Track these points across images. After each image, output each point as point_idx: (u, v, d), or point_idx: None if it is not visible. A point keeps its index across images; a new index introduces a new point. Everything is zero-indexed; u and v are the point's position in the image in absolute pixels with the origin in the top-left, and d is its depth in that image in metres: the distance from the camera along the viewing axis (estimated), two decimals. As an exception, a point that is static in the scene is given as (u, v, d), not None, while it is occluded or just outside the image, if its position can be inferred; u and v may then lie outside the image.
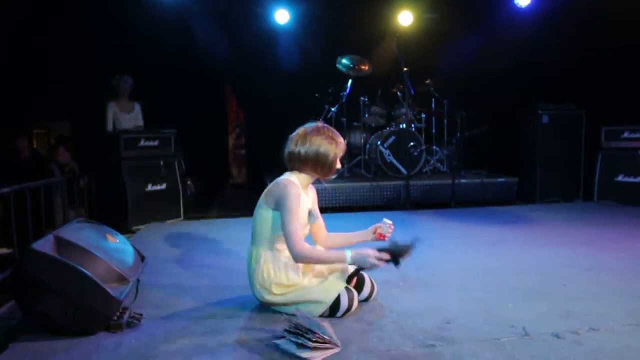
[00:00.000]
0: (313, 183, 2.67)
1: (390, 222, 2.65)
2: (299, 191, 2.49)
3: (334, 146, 2.51)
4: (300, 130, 2.56)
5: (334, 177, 2.67)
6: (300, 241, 2.40)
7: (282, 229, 2.43)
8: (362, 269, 2.55)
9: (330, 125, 7.05)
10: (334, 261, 2.49)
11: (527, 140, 6.44)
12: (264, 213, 2.51)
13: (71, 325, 2.29)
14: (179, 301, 2.77)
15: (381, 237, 2.65)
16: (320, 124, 2.57)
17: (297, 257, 2.42)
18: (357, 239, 2.74)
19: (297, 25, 7.34)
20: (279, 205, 2.45)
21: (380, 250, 2.46)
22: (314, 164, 2.52)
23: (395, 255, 2.46)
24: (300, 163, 2.54)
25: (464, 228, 4.63)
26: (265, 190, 2.55)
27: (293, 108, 6.64)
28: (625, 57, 5.88)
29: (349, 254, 2.46)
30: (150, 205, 5.27)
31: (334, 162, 2.52)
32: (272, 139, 4.28)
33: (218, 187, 7.07)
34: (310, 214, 2.59)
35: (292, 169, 2.58)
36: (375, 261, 2.43)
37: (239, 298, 2.77)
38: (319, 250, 2.52)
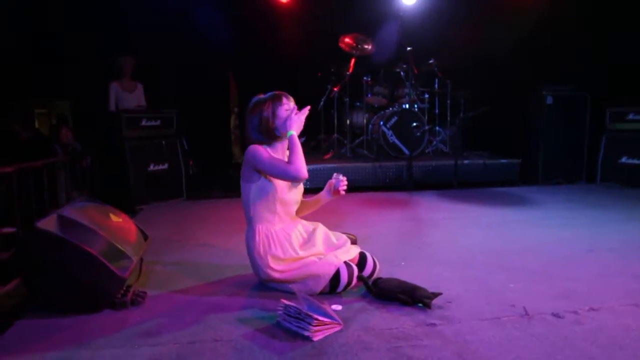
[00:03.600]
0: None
1: (342, 176, 2.71)
2: (267, 150, 2.53)
3: (266, 105, 2.54)
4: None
5: (295, 133, 2.64)
6: (288, 169, 2.45)
7: (243, 196, 2.52)
8: (354, 241, 2.58)
9: (332, 105, 6.97)
10: (297, 145, 2.49)
11: (530, 121, 6.40)
12: (243, 187, 2.57)
13: (76, 303, 2.31)
14: (181, 280, 2.80)
15: (337, 193, 2.70)
16: (269, 93, 2.61)
17: (299, 175, 2.46)
18: (323, 200, 2.78)
19: (299, 3, 7.26)
20: (256, 167, 2.50)
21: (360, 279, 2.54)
22: (259, 133, 2.54)
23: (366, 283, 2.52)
24: (252, 133, 2.57)
25: (466, 209, 4.64)
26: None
27: (295, 89, 6.60)
28: (633, 37, 5.82)
29: (289, 133, 2.51)
30: (153, 185, 5.28)
31: (270, 117, 2.53)
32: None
33: (220, 167, 7.06)
34: None
35: (259, 138, 2.60)
36: (298, 118, 2.52)
37: (241, 277, 2.80)
38: (291, 160, 2.49)
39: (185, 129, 5.96)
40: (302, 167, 2.46)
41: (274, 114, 2.54)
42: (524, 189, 5.74)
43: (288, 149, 2.57)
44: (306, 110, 2.56)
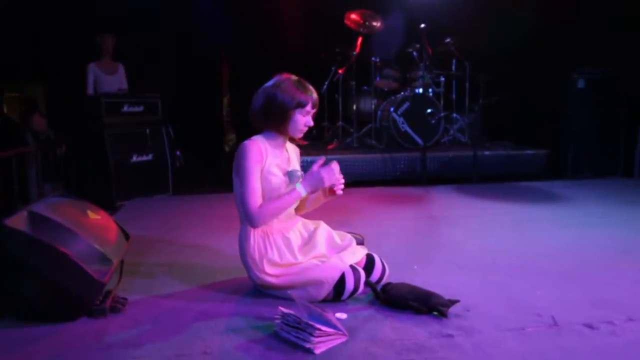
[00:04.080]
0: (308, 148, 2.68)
1: (337, 168, 2.53)
2: (262, 148, 2.49)
3: (290, 93, 2.47)
4: (258, 93, 2.56)
5: (307, 140, 2.65)
6: (252, 203, 2.43)
7: (235, 193, 2.49)
8: (361, 241, 2.55)
9: (337, 89, 6.96)
10: (290, 202, 2.49)
11: (559, 107, 6.37)
12: (236, 182, 2.54)
13: (49, 311, 2.31)
14: (167, 284, 2.79)
15: (332, 193, 2.61)
16: (288, 75, 2.56)
17: (254, 221, 2.45)
18: (321, 200, 2.71)
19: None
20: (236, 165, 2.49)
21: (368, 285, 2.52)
22: (267, 116, 2.49)
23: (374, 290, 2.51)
24: (258, 121, 2.54)
25: (487, 205, 4.63)
26: None
27: (295, 71, 6.57)
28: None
29: (301, 188, 2.47)
30: (136, 178, 5.28)
31: (289, 111, 2.47)
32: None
33: (211, 158, 7.05)
34: (291, 174, 2.58)
35: (259, 130, 2.59)
36: (332, 178, 2.47)
37: (234, 281, 2.79)
38: (268, 202, 2.48)
39: (172, 116, 5.95)
40: (265, 217, 2.45)
41: (288, 111, 2.47)
42: (551, 184, 5.72)
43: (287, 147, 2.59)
44: (335, 167, 2.48)
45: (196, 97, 6.94)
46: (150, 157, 5.43)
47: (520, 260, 3.11)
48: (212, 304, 2.51)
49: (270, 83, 2.53)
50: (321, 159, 2.57)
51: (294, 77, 2.54)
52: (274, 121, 2.51)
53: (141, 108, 5.41)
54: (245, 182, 2.46)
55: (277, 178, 2.53)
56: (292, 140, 2.67)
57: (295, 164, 2.68)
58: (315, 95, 2.54)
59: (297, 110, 2.49)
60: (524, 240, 3.53)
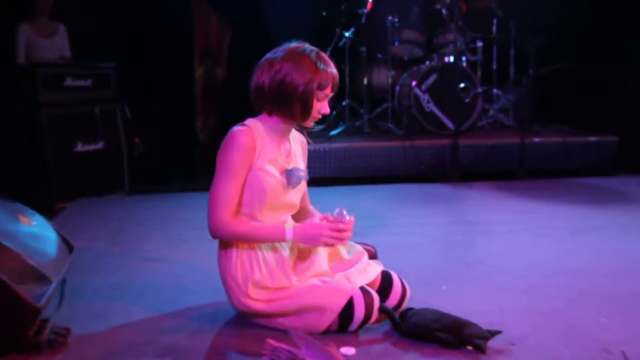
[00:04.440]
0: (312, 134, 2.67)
1: (347, 215, 2.49)
2: (255, 139, 2.48)
3: (307, 71, 2.45)
4: (270, 53, 2.54)
5: (316, 126, 2.64)
6: (219, 210, 2.44)
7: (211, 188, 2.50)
8: (374, 255, 2.55)
9: (343, 58, 6.97)
10: (268, 238, 2.50)
11: (634, 82, 6.37)
12: None
13: (-31, 344, 2.31)
14: (122, 311, 2.79)
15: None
16: (302, 44, 2.54)
17: (211, 232, 2.50)
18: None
19: None
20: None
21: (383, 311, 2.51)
22: (276, 99, 2.48)
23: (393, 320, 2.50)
24: (264, 100, 2.53)
25: (537, 209, 4.63)
26: None
27: (292, 34, 6.54)
28: None
29: (289, 230, 2.47)
30: (82, 172, 5.29)
31: (306, 97, 2.45)
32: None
33: (181, 147, 7.06)
34: (289, 173, 2.56)
35: (259, 110, 2.59)
36: (330, 240, 2.45)
37: (209, 307, 2.79)
38: (241, 222, 2.50)
39: (129, 92, 5.94)
40: (226, 236, 2.49)
41: (305, 97, 2.46)
42: (622, 180, 5.74)
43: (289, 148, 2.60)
44: (342, 225, 2.45)
45: (161, 67, 6.94)
46: (100, 145, 5.44)
47: (581, 280, 3.11)
48: (180, 337, 2.50)
49: (280, 54, 2.49)
50: (339, 212, 2.51)
51: (310, 49, 2.51)
52: (280, 105, 2.49)
53: (89, 82, 5.42)
54: (221, 181, 2.46)
55: (271, 178, 2.51)
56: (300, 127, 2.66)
57: (298, 161, 2.66)
58: (336, 73, 2.53)
59: (315, 95, 2.47)
60: (586, 254, 3.54)
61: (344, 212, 2.49)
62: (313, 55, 2.49)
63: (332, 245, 2.50)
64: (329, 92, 2.52)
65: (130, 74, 6.05)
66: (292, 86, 2.45)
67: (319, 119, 2.61)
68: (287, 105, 2.48)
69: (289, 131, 2.63)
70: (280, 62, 2.47)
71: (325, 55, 2.54)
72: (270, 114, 2.55)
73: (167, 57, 7.04)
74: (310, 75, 2.45)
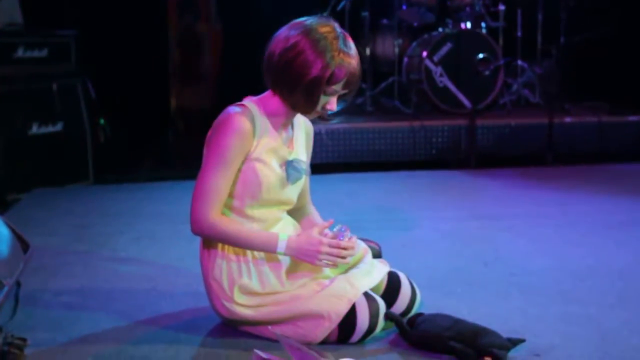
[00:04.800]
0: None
1: (347, 232, 2.52)
2: (253, 125, 2.46)
3: (322, 59, 2.38)
4: (286, 27, 2.48)
5: (327, 118, 2.62)
6: (206, 204, 2.43)
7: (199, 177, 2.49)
8: (379, 253, 2.55)
9: (343, 24, 6.98)
10: (254, 246, 2.49)
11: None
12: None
13: None
14: (86, 319, 2.80)
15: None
16: (329, 21, 2.50)
17: (193, 229, 2.49)
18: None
19: None
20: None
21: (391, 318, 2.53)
22: (280, 79, 2.45)
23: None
24: (269, 74, 2.49)
25: (567, 200, 4.66)
26: None
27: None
28: None
29: (283, 241, 2.45)
30: (38, 158, 5.28)
31: (312, 88, 2.41)
32: (249, 53, 4.20)
33: (153, 129, 7.05)
34: (290, 166, 2.56)
35: (269, 88, 2.55)
36: (328, 259, 2.43)
37: (188, 313, 2.81)
38: (231, 222, 2.50)
39: (93, 65, 5.92)
40: (209, 236, 2.49)
41: (313, 86, 2.40)
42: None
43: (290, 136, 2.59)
44: (341, 243, 2.45)
45: (130, 34, 6.92)
46: (58, 127, 5.42)
47: (619, 281, 3.13)
48: (154, 348, 2.51)
49: (298, 29, 2.43)
50: (340, 229, 2.52)
51: (338, 31, 2.44)
52: (282, 88, 2.46)
53: (44, 52, 5.40)
54: (211, 170, 2.45)
55: (270, 171, 2.50)
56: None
57: (301, 150, 2.65)
58: (356, 67, 2.45)
59: (323, 87, 2.42)
60: (625, 253, 3.55)
61: (345, 231, 2.49)
62: (337, 40, 2.41)
63: (330, 266, 2.47)
64: (339, 89, 2.45)
65: (94, 42, 6.04)
66: (300, 70, 2.38)
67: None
68: (289, 90, 2.44)
69: (293, 116, 2.60)
70: (298, 37, 2.40)
71: (352, 44, 2.47)
72: (274, 93, 2.52)
73: (137, 21, 7.00)
74: (323, 64, 2.37)
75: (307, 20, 2.47)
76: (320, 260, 2.43)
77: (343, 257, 2.46)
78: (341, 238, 2.47)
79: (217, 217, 2.47)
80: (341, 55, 2.39)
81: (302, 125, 2.70)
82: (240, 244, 2.50)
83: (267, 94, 2.54)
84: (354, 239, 2.52)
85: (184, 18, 7.38)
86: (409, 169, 5.68)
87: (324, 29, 2.42)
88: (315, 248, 2.42)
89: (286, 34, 2.45)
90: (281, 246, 2.46)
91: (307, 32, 2.41)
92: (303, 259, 2.46)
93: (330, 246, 2.42)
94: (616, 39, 6.52)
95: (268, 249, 2.48)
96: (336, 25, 2.47)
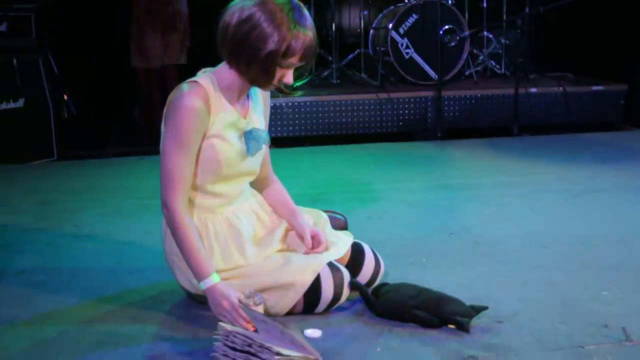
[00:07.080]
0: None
1: (257, 301, 2.44)
2: (209, 101, 2.44)
3: (278, 32, 2.35)
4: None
5: (286, 92, 2.61)
6: (175, 188, 2.42)
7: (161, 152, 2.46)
8: (344, 224, 2.55)
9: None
10: (190, 262, 2.44)
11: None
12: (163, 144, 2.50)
13: None
14: (50, 299, 2.79)
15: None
16: None
17: (165, 216, 2.48)
18: (297, 229, 2.69)
19: None
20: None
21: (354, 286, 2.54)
22: (236, 52, 2.42)
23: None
24: (224, 47, 2.46)
25: (532, 169, 4.71)
26: None
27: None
28: None
29: (209, 280, 2.40)
30: (-1, 135, 5.25)
31: (269, 61, 2.39)
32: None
33: (118, 104, 7.00)
34: (249, 137, 2.54)
35: (220, 57, 2.52)
36: (229, 319, 2.35)
37: (152, 288, 2.82)
38: (192, 230, 2.46)
39: (55, 39, 5.86)
40: (169, 224, 2.47)
41: (269, 60, 2.38)
42: (630, 136, 5.85)
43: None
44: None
45: (93, 7, 6.84)
46: (20, 103, 5.38)
47: (580, 249, 3.18)
48: (120, 323, 2.52)
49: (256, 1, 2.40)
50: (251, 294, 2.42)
51: (294, 3, 2.41)
52: (238, 61, 2.44)
53: (3, 26, 5.34)
54: (172, 153, 2.43)
55: (229, 145, 2.50)
56: None
57: (258, 118, 2.64)
58: (311, 38, 2.42)
59: (279, 60, 2.40)
60: (587, 220, 3.62)
61: (256, 300, 2.39)
62: (293, 12, 2.38)
63: (231, 322, 2.35)
64: (295, 62, 2.43)
65: (56, 15, 5.97)
66: (256, 44, 2.36)
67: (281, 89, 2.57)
68: (245, 64, 2.41)
69: (249, 88, 2.58)
70: (253, 9, 2.37)
71: (308, 15, 2.44)
72: (230, 66, 2.49)
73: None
74: (279, 37, 2.35)
75: None
76: (221, 314, 2.37)
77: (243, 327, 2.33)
78: (258, 297, 2.39)
79: (181, 209, 2.44)
80: (297, 27, 2.37)
81: (258, 91, 2.67)
82: (183, 253, 2.46)
83: (223, 66, 2.52)
84: (261, 307, 2.41)
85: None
86: (375, 142, 5.70)
87: (279, 2, 2.39)
88: (223, 308, 2.35)
89: (241, 4, 2.41)
90: (207, 283, 2.40)
91: (263, 2, 2.38)
92: (211, 304, 2.41)
93: (239, 316, 2.32)
94: (581, 9, 6.54)
95: (195, 276, 2.44)
96: (311, 26, 2.43)
